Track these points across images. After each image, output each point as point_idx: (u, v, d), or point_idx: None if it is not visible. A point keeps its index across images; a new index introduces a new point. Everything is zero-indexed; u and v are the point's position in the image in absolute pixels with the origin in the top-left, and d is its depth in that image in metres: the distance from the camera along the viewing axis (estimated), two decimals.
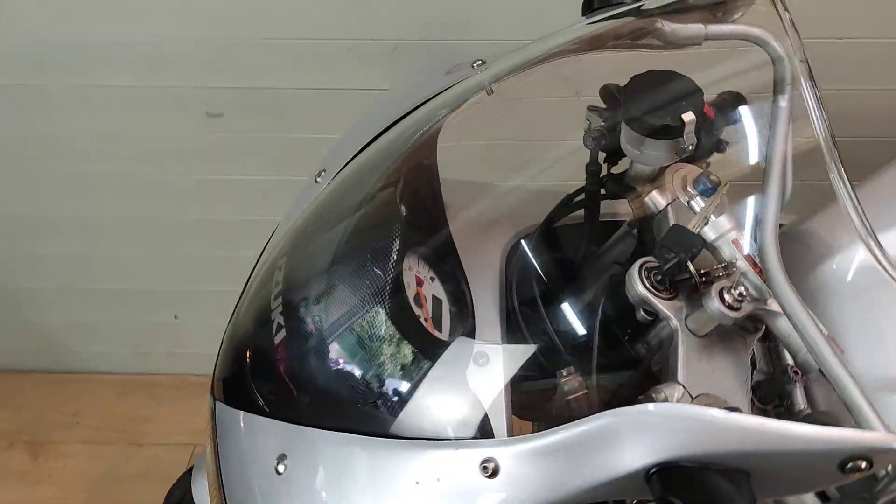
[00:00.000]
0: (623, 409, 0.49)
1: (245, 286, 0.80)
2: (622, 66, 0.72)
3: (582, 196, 0.76)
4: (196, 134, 1.52)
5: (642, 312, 0.62)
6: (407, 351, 0.62)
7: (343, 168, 0.82)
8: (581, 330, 0.67)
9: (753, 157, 0.68)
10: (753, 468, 0.47)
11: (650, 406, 0.49)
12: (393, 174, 0.75)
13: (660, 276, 0.61)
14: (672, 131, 0.63)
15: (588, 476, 0.49)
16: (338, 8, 1.34)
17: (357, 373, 0.64)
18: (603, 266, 0.73)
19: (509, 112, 0.84)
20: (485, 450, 0.54)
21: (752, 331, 0.64)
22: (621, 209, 0.77)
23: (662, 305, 0.61)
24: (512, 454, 0.52)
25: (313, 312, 0.67)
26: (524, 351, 0.66)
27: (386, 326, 0.63)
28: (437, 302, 0.67)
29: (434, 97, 0.80)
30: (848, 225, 0.58)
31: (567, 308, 0.69)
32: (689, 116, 0.62)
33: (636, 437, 0.47)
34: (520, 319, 0.67)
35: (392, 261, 0.66)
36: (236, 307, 0.78)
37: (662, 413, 0.48)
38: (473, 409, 0.58)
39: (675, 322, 0.60)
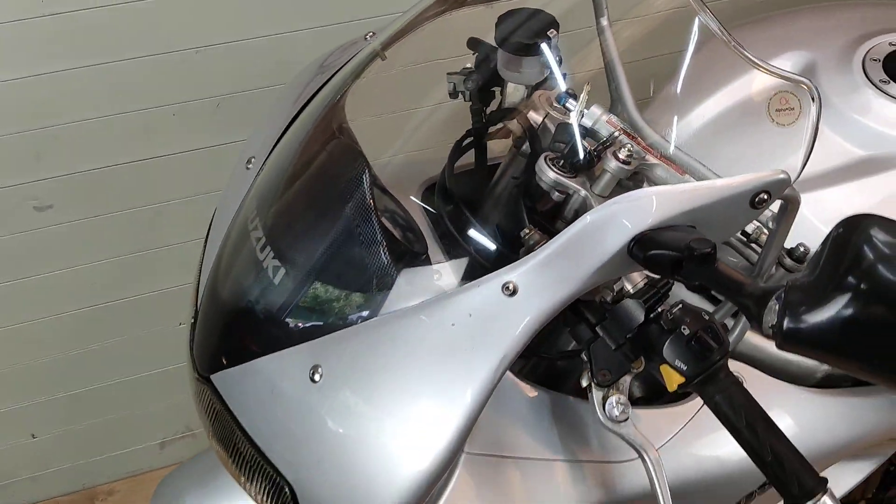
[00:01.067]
0: (597, 206, 0.63)
1: (198, 280, 0.85)
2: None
3: (471, 138, 0.89)
4: (26, 230, 1.47)
5: (556, 193, 0.76)
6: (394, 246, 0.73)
7: (272, 150, 0.87)
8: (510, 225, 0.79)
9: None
10: (696, 222, 0.62)
11: (615, 199, 0.62)
12: (318, 139, 0.82)
13: (561, 162, 0.75)
14: (539, 47, 0.79)
15: (586, 266, 0.62)
16: (163, 72, 1.36)
17: (366, 263, 0.72)
18: (506, 185, 0.86)
19: (403, 75, 0.95)
20: (502, 276, 0.63)
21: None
22: (498, 150, 0.90)
23: (571, 182, 0.75)
24: (524, 271, 0.63)
25: (304, 239, 0.76)
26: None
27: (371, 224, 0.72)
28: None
29: (337, 72, 0.89)
30: None
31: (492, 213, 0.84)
32: (552, 32, 0.80)
33: (612, 224, 0.61)
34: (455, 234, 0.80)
35: (359, 183, 0.75)
36: (202, 295, 0.83)
37: (626, 199, 0.62)
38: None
39: (583, 192, 0.75)
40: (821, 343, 0.52)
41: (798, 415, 0.85)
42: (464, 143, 0.89)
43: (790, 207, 0.70)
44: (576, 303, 0.68)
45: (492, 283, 0.63)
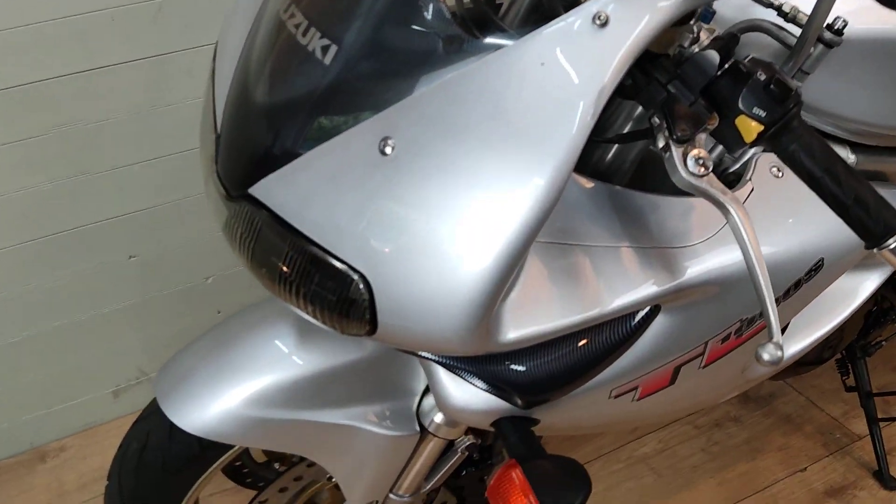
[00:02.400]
0: None
1: (213, 105, 0.77)
2: None
3: None
4: None
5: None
6: None
7: None
8: None
9: None
10: None
11: None
12: None
13: None
14: None
15: None
16: None
17: (429, 22, 0.66)
18: None
19: None
20: (591, 7, 0.59)
21: None
22: None
23: None
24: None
25: (353, 9, 0.68)
26: None
27: None
28: None
29: None
30: None
31: None
32: None
33: None
34: None
35: None
36: (223, 114, 0.75)
37: None
38: None
39: None
40: None
41: None
42: None
43: None
44: (646, 63, 0.69)
45: (581, 14, 0.60)
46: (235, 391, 0.94)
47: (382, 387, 0.99)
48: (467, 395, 0.84)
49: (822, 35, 0.79)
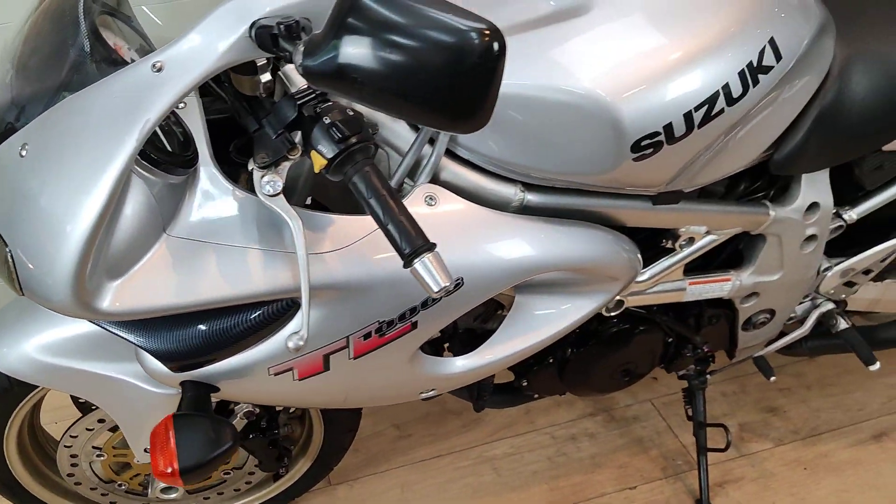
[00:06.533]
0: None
1: None
2: None
3: None
4: None
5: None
6: None
7: None
8: None
9: None
10: (309, 14, 0.78)
11: None
12: None
13: None
14: None
15: (219, 47, 0.80)
16: None
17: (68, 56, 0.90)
18: None
19: None
20: (152, 58, 0.82)
21: None
22: None
23: None
24: (170, 52, 0.81)
25: (30, 51, 0.94)
26: None
27: None
28: None
29: None
30: None
31: None
32: None
33: (237, 11, 0.81)
34: None
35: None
36: None
37: None
38: None
39: None
40: (330, 75, 0.69)
41: (495, 234, 1.03)
42: None
43: None
44: (247, 100, 0.87)
45: (143, 64, 0.81)
46: (36, 338, 1.16)
47: None
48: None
49: None
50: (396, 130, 1.02)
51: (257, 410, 1.35)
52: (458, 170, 1.04)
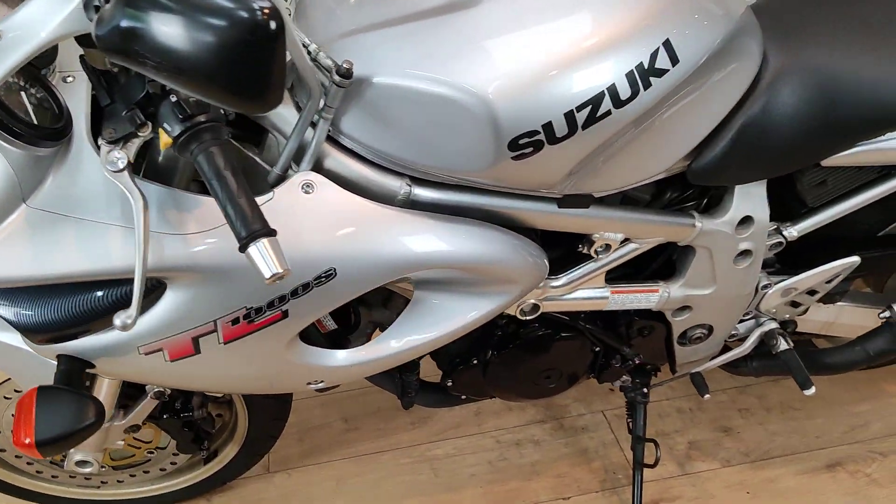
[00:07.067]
0: None
1: None
2: None
3: None
4: None
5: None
6: None
7: None
8: None
9: None
10: None
11: None
12: None
13: None
14: None
15: (51, 22, 0.81)
16: None
17: None
18: None
19: None
20: None
21: None
22: None
23: None
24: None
25: None
26: None
27: None
28: None
29: None
30: None
31: None
32: None
33: None
34: None
35: None
36: None
37: None
38: None
39: None
40: (115, 47, 0.69)
41: (374, 227, 1.01)
42: None
43: None
44: (102, 74, 0.87)
45: None
46: None
47: None
48: None
49: (332, 76, 0.93)
50: (283, 115, 1.01)
51: (168, 391, 1.36)
52: (343, 159, 1.03)
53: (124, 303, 0.99)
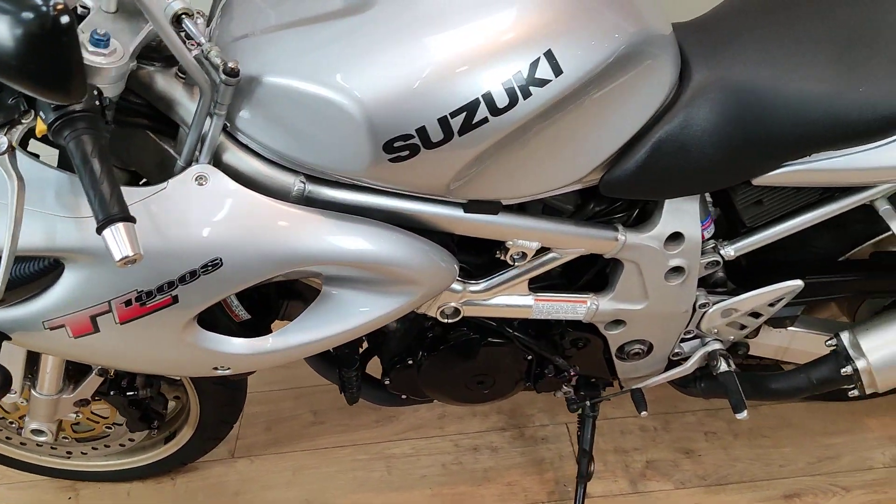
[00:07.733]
0: None
1: None
2: None
3: None
4: None
5: None
6: None
7: None
8: None
9: None
10: None
11: None
12: None
13: None
14: None
15: None
16: None
17: None
18: None
19: None
20: None
21: None
22: None
23: None
24: None
25: None
26: None
27: None
28: None
29: None
30: None
31: None
32: None
33: None
34: None
35: None
36: None
37: None
38: None
39: None
40: None
41: (263, 220, 1.05)
42: None
43: None
44: None
45: None
46: None
47: None
48: None
49: (219, 74, 0.97)
50: (190, 110, 1.06)
51: (112, 370, 1.43)
52: (240, 155, 1.07)
53: (27, 280, 1.06)
